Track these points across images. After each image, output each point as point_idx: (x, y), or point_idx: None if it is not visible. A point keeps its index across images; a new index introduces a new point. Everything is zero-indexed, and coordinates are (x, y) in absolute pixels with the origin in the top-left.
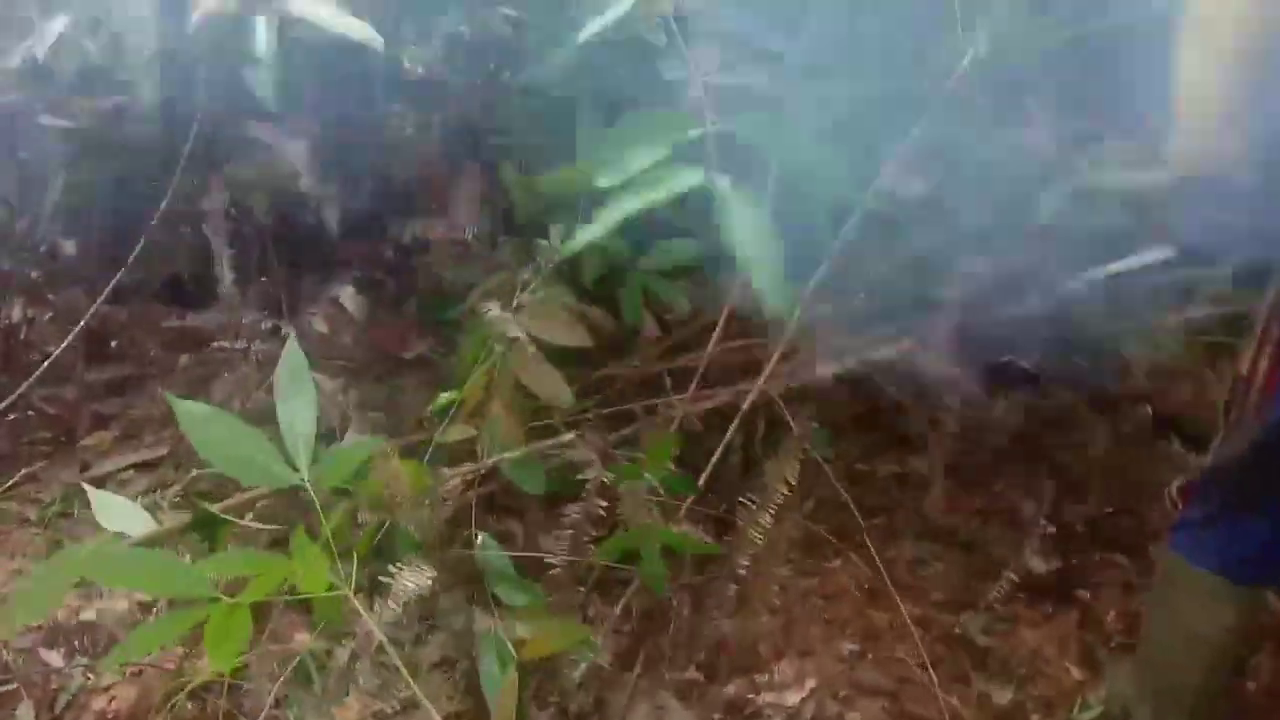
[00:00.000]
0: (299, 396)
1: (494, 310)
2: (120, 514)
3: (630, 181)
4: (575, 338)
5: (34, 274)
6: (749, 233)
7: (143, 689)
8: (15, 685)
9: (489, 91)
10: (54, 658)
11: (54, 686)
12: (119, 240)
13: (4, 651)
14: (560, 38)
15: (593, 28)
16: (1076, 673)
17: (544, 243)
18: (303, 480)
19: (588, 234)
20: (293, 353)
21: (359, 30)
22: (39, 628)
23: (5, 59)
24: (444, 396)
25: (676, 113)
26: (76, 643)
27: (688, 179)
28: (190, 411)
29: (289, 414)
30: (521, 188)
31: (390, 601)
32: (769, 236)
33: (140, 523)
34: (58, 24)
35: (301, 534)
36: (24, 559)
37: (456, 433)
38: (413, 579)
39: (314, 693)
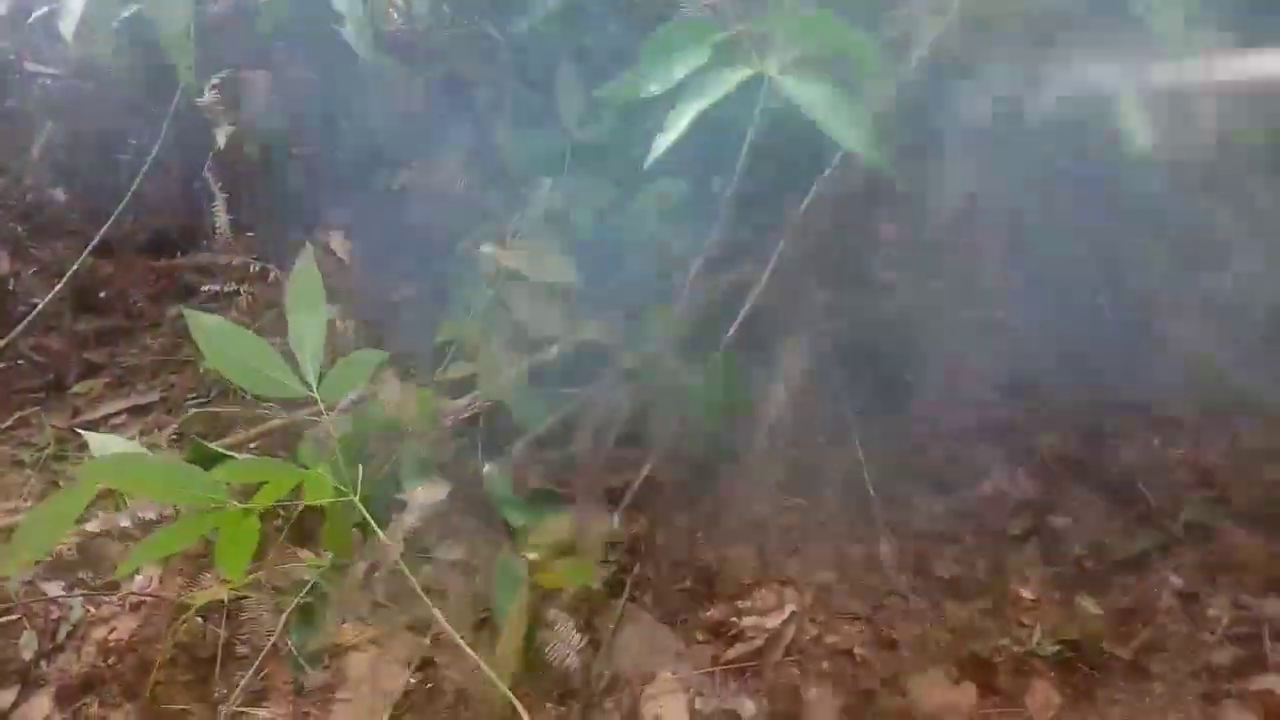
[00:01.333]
0: (310, 312)
1: (488, 250)
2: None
3: (681, 86)
4: (564, 274)
5: (20, 225)
6: (823, 99)
7: (143, 619)
8: (17, 616)
9: (476, 42)
10: (54, 588)
11: (55, 617)
12: (106, 191)
13: (5, 583)
14: None
15: None
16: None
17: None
18: (312, 391)
19: (665, 141)
20: (305, 269)
21: None
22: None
23: None
24: (446, 329)
25: (704, 21)
26: (78, 574)
27: (739, 73)
28: (203, 323)
29: (299, 329)
30: (510, 138)
31: (407, 516)
32: (844, 99)
33: None
34: None
35: (308, 446)
36: (19, 500)
37: (456, 371)
38: (427, 494)
39: (317, 618)
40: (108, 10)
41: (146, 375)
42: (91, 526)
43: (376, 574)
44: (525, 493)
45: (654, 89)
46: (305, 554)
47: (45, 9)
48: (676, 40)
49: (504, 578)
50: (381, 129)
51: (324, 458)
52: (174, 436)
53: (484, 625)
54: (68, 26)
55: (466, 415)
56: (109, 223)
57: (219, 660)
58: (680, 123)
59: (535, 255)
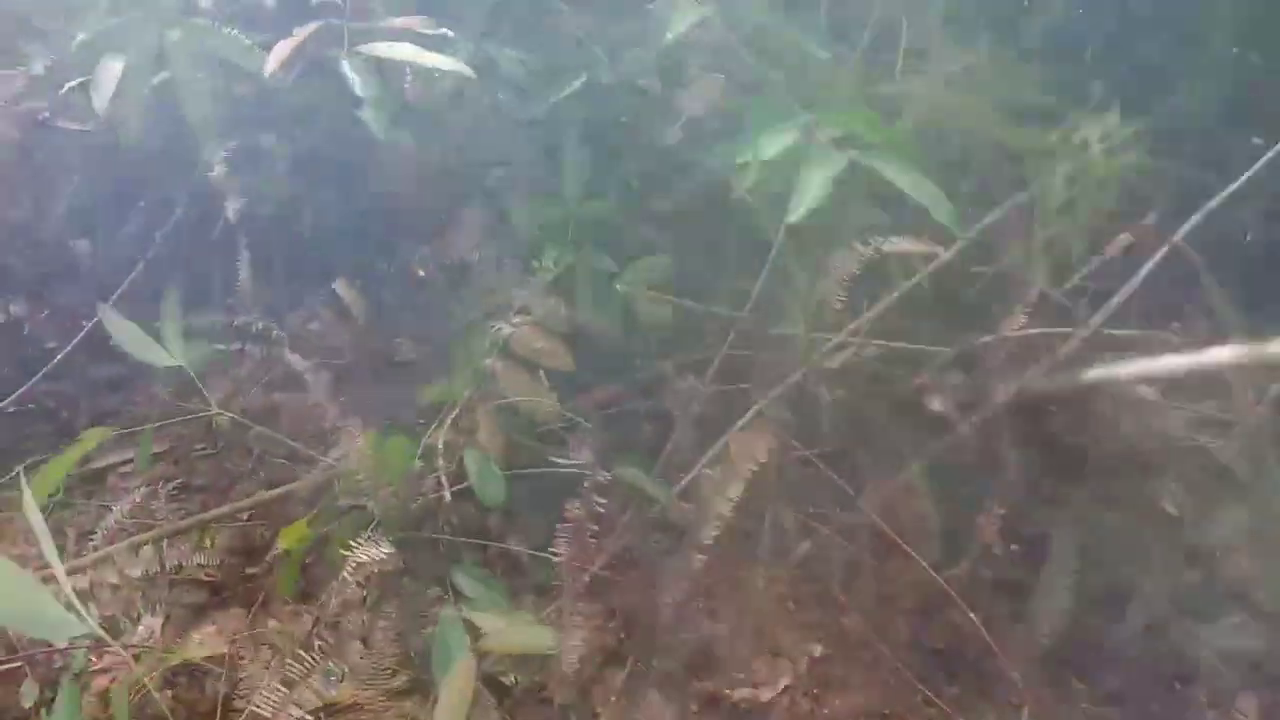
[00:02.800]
0: None
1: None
2: None
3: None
4: (561, 362)
5: (39, 272)
6: (911, 178)
7: (144, 670)
8: (20, 664)
9: (495, 123)
10: None
11: (57, 666)
12: (126, 244)
13: (9, 631)
14: (565, 74)
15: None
16: None
17: (538, 263)
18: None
19: (804, 204)
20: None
21: (451, 65)
22: None
23: (31, 66)
24: (432, 391)
25: (786, 103)
26: None
27: (838, 161)
28: None
29: None
30: (522, 214)
31: (345, 572)
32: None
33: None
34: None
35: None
36: (25, 544)
37: (441, 436)
38: (368, 552)
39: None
40: (138, 83)
41: (154, 423)
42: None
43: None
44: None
45: (746, 159)
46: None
47: (80, 79)
48: (763, 118)
49: (446, 636)
50: (394, 200)
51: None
52: (174, 490)
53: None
54: (101, 100)
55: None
56: (132, 274)
57: (218, 715)
58: (813, 190)
59: (534, 338)
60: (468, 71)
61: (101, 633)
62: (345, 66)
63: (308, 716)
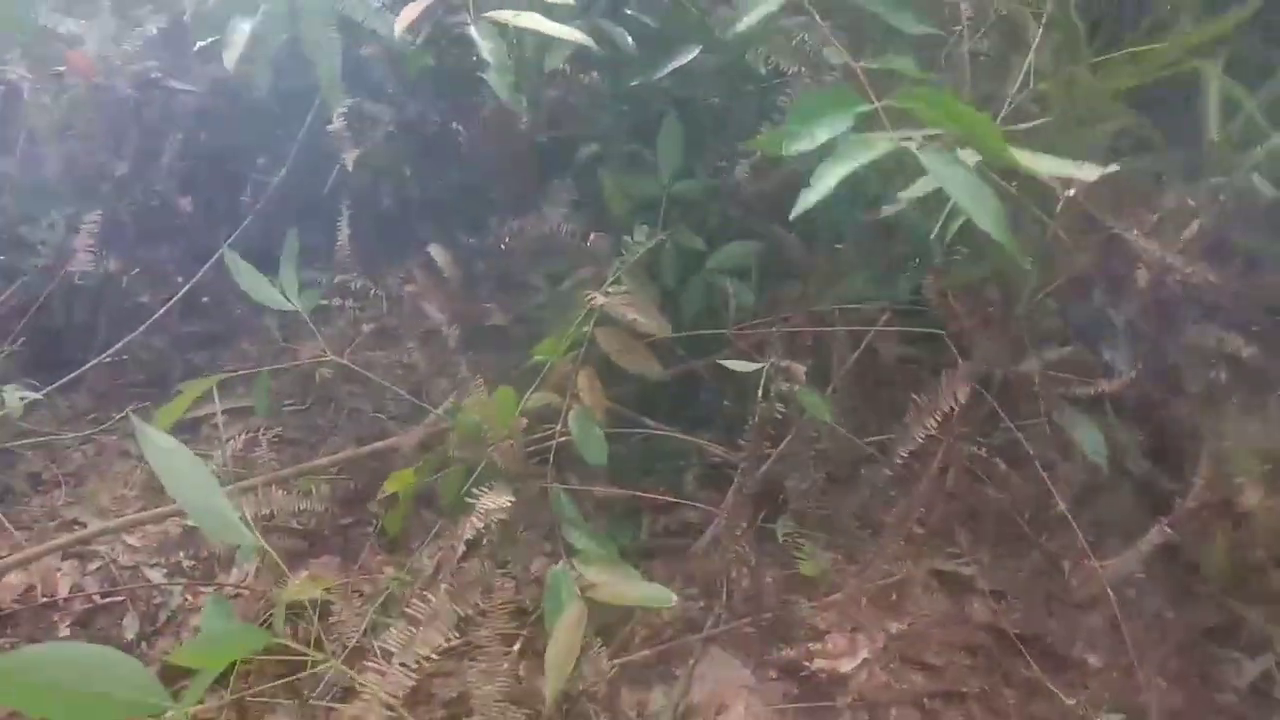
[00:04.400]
0: None
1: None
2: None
3: (826, 149)
4: (659, 327)
5: (140, 229)
6: (960, 183)
7: (238, 610)
8: (123, 599)
9: (588, 98)
10: (156, 575)
11: (156, 602)
12: (226, 203)
13: (113, 567)
14: (673, 48)
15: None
16: None
17: (629, 239)
18: None
19: (813, 195)
20: None
21: (574, 35)
22: (142, 547)
23: (147, 26)
24: (542, 349)
25: (848, 91)
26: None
27: (882, 145)
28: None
29: None
30: (613, 189)
31: (474, 519)
32: (979, 184)
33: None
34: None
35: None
36: (125, 489)
37: (539, 400)
38: (493, 500)
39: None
40: (267, 44)
41: (246, 379)
42: None
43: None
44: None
45: (799, 147)
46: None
47: (209, 39)
48: (822, 106)
49: (556, 590)
50: (497, 168)
51: None
52: (274, 439)
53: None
54: (231, 58)
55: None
56: (233, 235)
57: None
58: (826, 183)
59: (632, 305)
60: (590, 43)
61: (266, 545)
62: (472, 31)
63: (434, 654)
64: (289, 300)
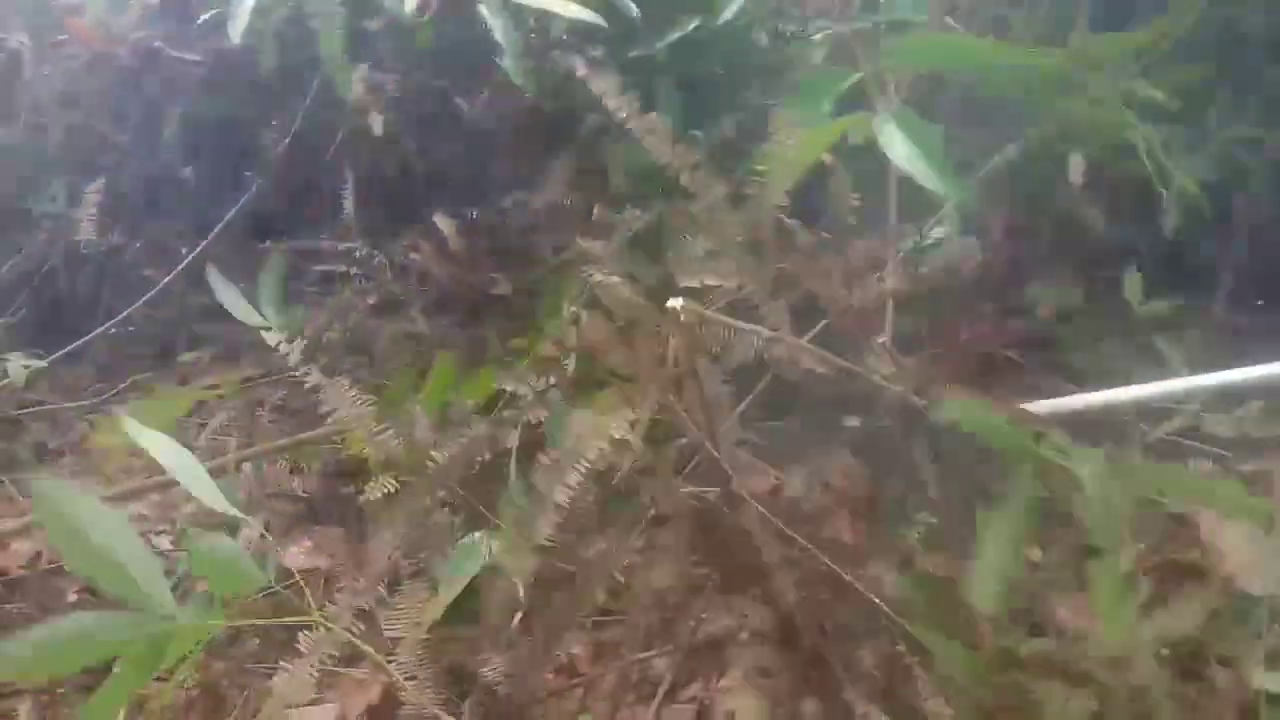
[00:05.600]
0: None
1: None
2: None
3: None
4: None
5: (142, 200)
6: (917, 144)
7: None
8: None
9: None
10: (163, 542)
11: (164, 569)
12: (228, 174)
13: None
14: (674, 18)
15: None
16: None
17: (625, 213)
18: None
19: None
20: None
21: (583, 14)
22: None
23: None
24: (520, 341)
25: (841, 70)
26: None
27: (846, 120)
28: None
29: None
30: (616, 162)
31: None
32: (939, 148)
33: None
34: None
35: None
36: (131, 458)
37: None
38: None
39: None
40: (271, 16)
41: (252, 349)
42: None
43: None
44: None
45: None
46: None
47: (213, 11)
48: (810, 94)
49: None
50: (502, 143)
51: None
52: (279, 403)
53: None
54: (236, 29)
55: None
56: (237, 206)
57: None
58: (793, 169)
59: (621, 288)
60: (600, 21)
61: (241, 515)
62: (483, 8)
63: None
64: (266, 320)
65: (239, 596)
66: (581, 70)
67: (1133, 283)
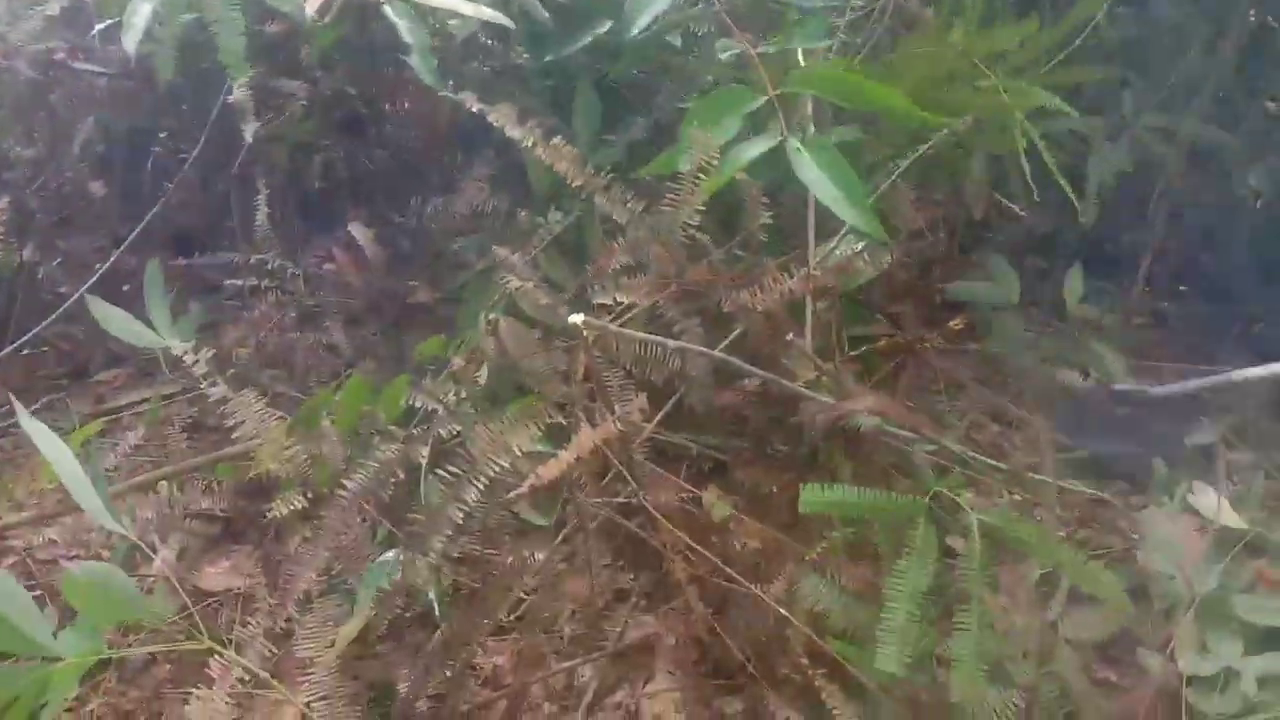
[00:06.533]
0: None
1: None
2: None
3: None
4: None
5: (53, 216)
6: (828, 175)
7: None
8: (40, 593)
9: (505, 74)
10: (74, 568)
11: None
12: (139, 188)
13: (30, 561)
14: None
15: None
16: None
17: (543, 220)
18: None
19: (694, 204)
20: None
21: (490, 15)
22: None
23: (48, 6)
24: (430, 345)
25: (740, 89)
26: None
27: (761, 145)
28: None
29: None
30: (537, 166)
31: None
32: (850, 175)
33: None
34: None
35: None
36: (44, 482)
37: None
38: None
39: None
40: (170, 24)
41: (169, 365)
42: None
43: None
44: None
45: (686, 167)
46: None
47: (109, 20)
48: (714, 111)
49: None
50: (413, 147)
51: None
52: (189, 425)
53: None
54: (131, 40)
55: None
56: (145, 221)
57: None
58: (707, 189)
59: (540, 294)
60: (508, 23)
61: (138, 541)
62: (389, 10)
63: None
64: (161, 336)
65: (122, 624)
66: (474, 105)
67: (1074, 278)
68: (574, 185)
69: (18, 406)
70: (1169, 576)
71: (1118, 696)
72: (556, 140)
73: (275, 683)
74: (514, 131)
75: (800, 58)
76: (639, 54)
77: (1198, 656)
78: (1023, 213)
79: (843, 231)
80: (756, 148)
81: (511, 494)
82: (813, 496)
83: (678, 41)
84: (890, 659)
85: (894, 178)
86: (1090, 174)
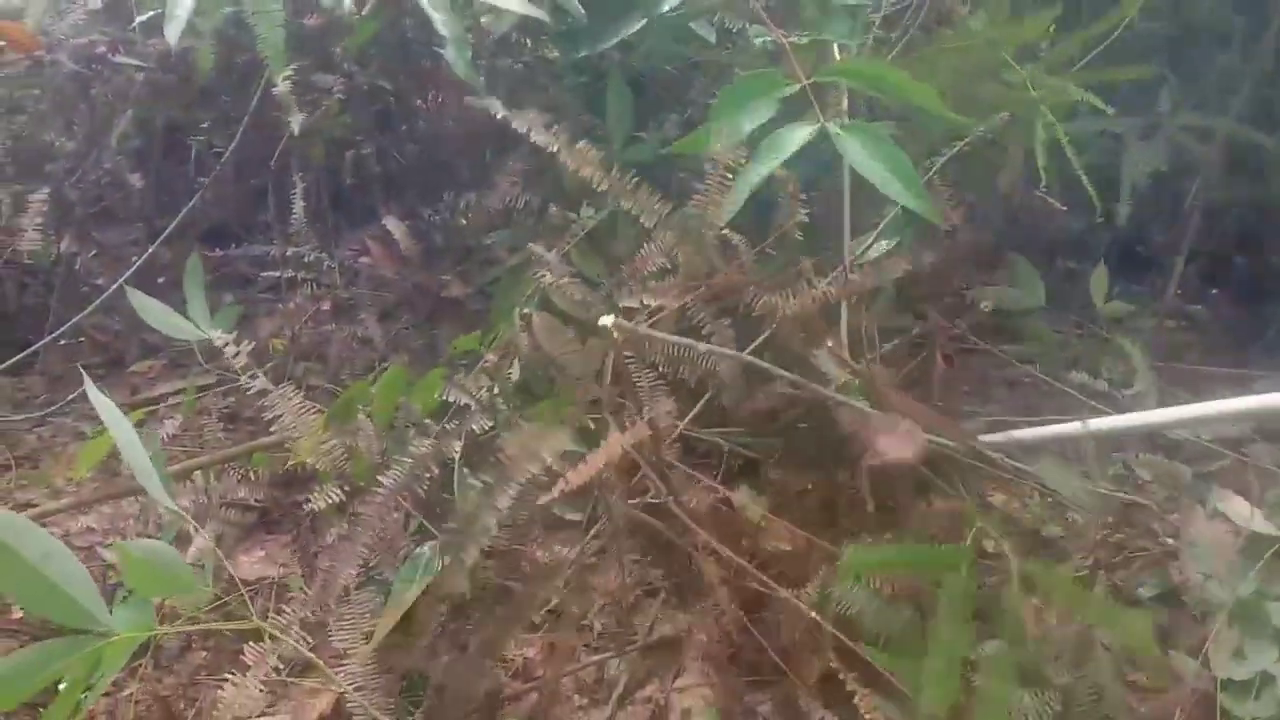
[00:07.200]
0: None
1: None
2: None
3: (751, 142)
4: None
5: (91, 207)
6: (880, 159)
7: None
8: None
9: (539, 70)
10: (111, 555)
11: (112, 582)
12: (176, 180)
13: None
14: (621, 17)
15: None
16: None
17: (575, 215)
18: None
19: (733, 202)
20: None
21: (527, 9)
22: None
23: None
24: (464, 341)
25: (773, 73)
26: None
27: (802, 133)
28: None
29: None
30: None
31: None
32: (899, 155)
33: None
34: None
35: None
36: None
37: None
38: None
39: None
40: (210, 17)
41: (203, 357)
42: None
43: None
44: None
45: (725, 144)
46: None
47: (151, 12)
48: (745, 94)
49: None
50: (446, 142)
51: None
52: (225, 410)
53: None
54: (173, 31)
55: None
56: (181, 214)
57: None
58: (748, 184)
59: (574, 289)
60: (543, 15)
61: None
62: (424, 3)
63: None
64: (200, 328)
65: (173, 601)
66: (499, 111)
67: (1099, 278)
68: (599, 190)
69: (87, 382)
70: (1205, 578)
71: (1151, 701)
72: (582, 144)
73: (321, 664)
74: (539, 137)
75: (835, 52)
76: (671, 50)
77: (1232, 660)
78: (1064, 208)
79: (884, 221)
80: (796, 135)
81: (542, 499)
82: (857, 558)
83: (711, 37)
84: (934, 701)
85: (929, 174)
86: (1124, 174)
